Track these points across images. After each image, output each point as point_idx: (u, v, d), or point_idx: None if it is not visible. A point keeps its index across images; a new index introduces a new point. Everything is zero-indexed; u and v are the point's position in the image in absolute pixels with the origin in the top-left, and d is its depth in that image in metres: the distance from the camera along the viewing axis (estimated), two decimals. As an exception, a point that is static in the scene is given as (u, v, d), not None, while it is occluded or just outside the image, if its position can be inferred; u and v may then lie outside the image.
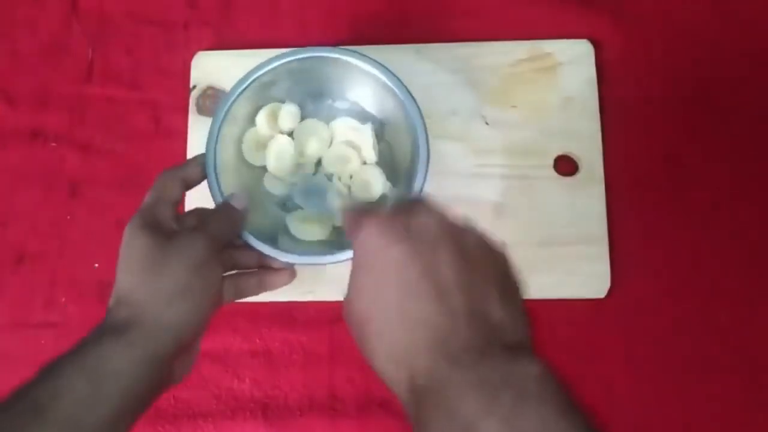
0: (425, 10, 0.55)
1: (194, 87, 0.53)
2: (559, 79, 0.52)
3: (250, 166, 0.47)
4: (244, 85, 0.44)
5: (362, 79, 0.45)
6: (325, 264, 0.42)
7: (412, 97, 0.43)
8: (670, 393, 0.48)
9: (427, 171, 0.42)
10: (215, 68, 0.53)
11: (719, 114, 0.52)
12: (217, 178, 0.43)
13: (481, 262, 0.28)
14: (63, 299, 0.52)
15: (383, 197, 0.46)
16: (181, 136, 0.53)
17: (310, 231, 0.46)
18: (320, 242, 0.47)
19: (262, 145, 0.48)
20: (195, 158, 0.43)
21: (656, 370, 0.48)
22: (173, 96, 0.54)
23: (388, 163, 0.48)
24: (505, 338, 0.26)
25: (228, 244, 0.42)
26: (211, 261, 0.37)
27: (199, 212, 0.43)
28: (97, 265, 0.52)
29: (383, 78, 0.43)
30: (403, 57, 0.47)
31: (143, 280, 0.36)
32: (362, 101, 0.48)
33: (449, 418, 0.24)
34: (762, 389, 0.48)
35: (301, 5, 0.56)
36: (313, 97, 0.49)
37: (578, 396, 0.24)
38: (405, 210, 0.31)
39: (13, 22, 0.57)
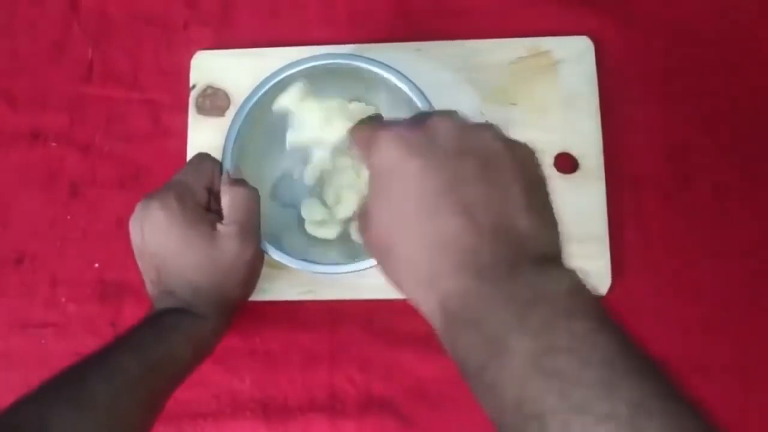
0: (425, 8, 0.55)
1: (194, 87, 0.53)
2: (559, 77, 0.52)
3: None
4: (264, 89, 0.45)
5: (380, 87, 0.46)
6: (345, 273, 0.42)
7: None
8: (671, 392, 0.48)
9: None
10: (215, 68, 0.53)
11: (720, 112, 0.52)
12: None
13: (506, 170, 0.26)
14: (63, 299, 0.52)
15: None
16: (181, 136, 0.53)
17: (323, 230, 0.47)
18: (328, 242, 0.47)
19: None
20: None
21: (657, 369, 0.48)
22: (173, 96, 0.54)
23: None
24: (534, 250, 0.25)
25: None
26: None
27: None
28: (97, 265, 0.52)
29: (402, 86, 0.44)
30: (402, 55, 0.47)
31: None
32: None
33: (479, 333, 0.23)
34: (762, 389, 0.48)
35: (301, 5, 0.56)
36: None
37: (611, 309, 0.23)
38: (421, 121, 0.28)
39: (13, 22, 0.57)
